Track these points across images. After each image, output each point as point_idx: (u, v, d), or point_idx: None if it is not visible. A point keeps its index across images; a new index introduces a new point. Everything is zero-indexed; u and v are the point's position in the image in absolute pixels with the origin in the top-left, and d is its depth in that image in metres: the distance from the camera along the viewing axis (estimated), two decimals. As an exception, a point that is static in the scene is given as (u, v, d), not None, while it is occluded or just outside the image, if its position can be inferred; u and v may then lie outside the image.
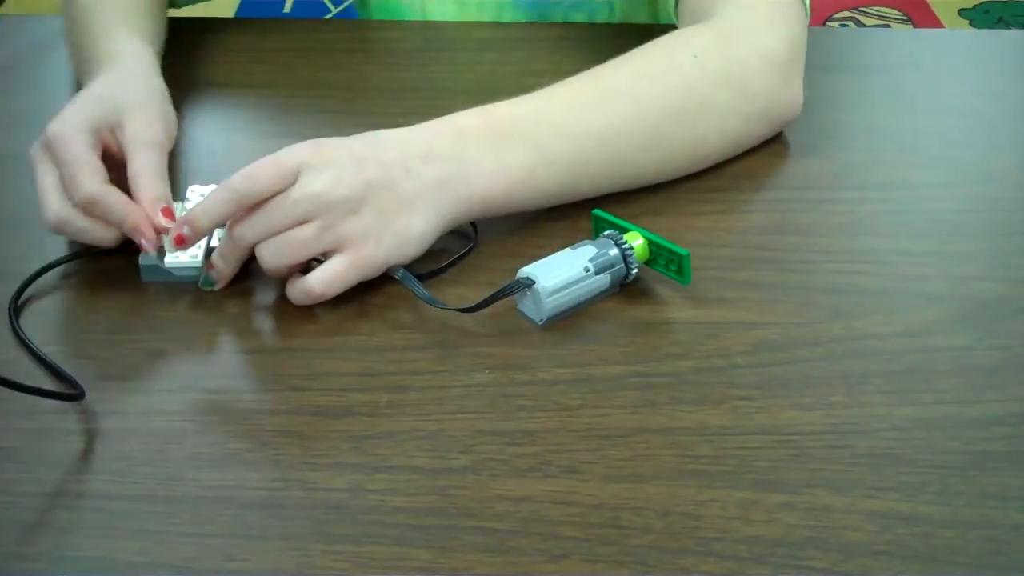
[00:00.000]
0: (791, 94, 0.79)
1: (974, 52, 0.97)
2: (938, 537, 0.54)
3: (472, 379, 0.63)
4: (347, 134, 0.84)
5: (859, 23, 2.57)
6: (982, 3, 2.69)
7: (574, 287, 0.65)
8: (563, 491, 0.57)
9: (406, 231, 0.67)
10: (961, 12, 2.65)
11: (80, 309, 0.69)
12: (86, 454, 0.59)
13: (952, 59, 0.95)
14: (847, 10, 2.62)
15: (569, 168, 0.72)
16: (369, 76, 0.91)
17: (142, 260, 0.69)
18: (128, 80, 0.76)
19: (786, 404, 0.61)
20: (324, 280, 0.66)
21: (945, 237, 0.74)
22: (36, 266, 0.72)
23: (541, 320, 0.65)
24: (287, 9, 2.75)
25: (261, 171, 0.65)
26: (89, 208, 0.68)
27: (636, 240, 0.67)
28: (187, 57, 0.93)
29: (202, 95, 0.89)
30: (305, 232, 0.65)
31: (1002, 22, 2.62)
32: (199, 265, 0.68)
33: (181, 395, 0.62)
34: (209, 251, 0.69)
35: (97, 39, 0.81)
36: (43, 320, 0.67)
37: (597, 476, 0.57)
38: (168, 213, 0.68)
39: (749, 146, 0.80)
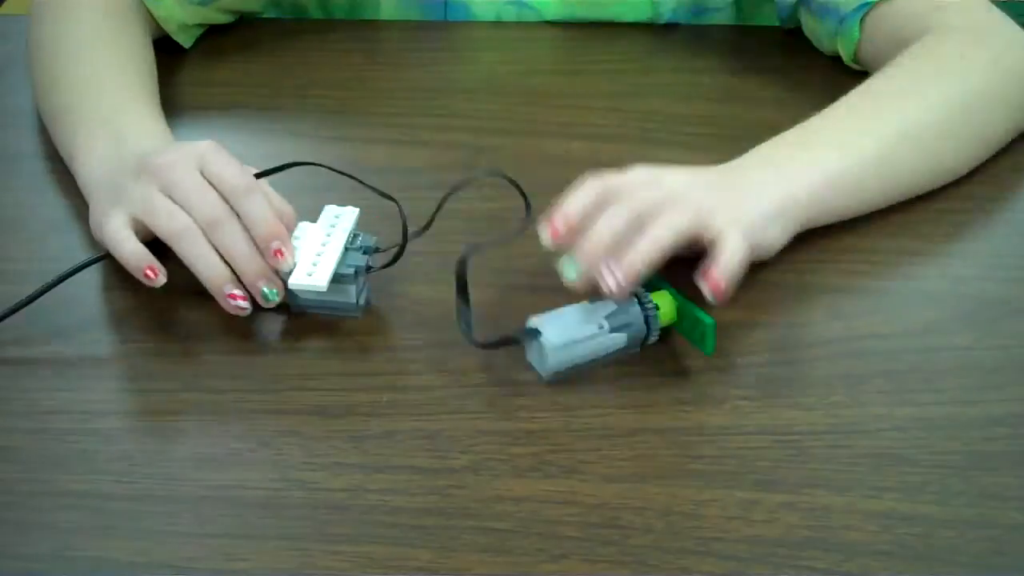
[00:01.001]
0: None
1: (974, 52, 0.97)
2: (938, 537, 0.54)
3: (472, 379, 0.63)
4: (347, 134, 0.84)
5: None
6: (982, 3, 2.69)
7: (584, 343, 0.61)
8: (563, 491, 0.57)
9: (757, 209, 0.67)
10: (961, 12, 2.65)
11: (80, 309, 0.69)
12: (86, 454, 0.59)
13: (952, 59, 0.95)
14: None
15: (878, 163, 0.73)
16: (369, 76, 0.91)
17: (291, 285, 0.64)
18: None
19: (786, 404, 0.61)
20: (726, 266, 0.63)
21: (945, 237, 0.74)
22: (36, 266, 0.72)
23: (545, 374, 0.62)
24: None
25: (633, 188, 0.65)
26: (214, 227, 0.64)
27: (663, 300, 0.63)
28: (187, 57, 0.93)
29: (202, 95, 0.89)
30: (670, 214, 0.63)
31: (1002, 22, 2.61)
32: (323, 288, 0.63)
33: (181, 395, 0.62)
34: (335, 275, 0.64)
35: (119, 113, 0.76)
36: (43, 320, 0.67)
37: (597, 476, 0.57)
38: (279, 254, 0.64)
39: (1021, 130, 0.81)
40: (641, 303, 0.63)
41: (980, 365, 0.64)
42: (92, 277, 0.71)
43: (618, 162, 0.79)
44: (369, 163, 0.80)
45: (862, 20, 0.83)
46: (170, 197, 0.65)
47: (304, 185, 0.73)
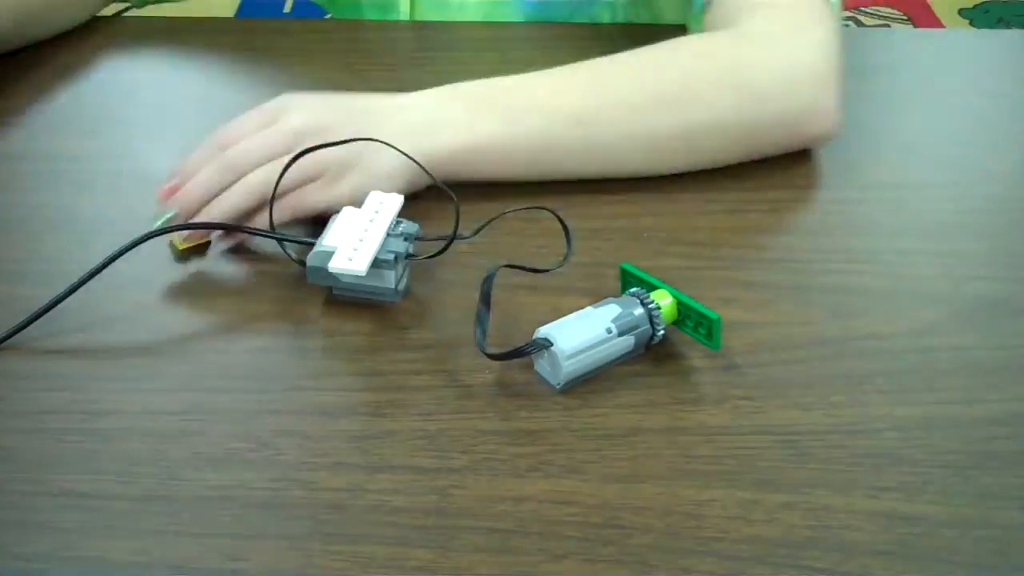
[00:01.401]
0: (819, 105, 0.77)
1: (974, 52, 0.97)
2: (938, 537, 0.54)
3: (472, 379, 0.63)
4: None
5: (859, 23, 2.57)
6: (982, 3, 2.69)
7: (595, 350, 0.61)
8: (563, 491, 0.57)
9: (375, 172, 0.71)
10: (961, 12, 2.65)
11: (80, 309, 0.68)
12: (86, 454, 0.59)
13: (952, 59, 0.95)
14: (847, 10, 2.63)
15: (539, 143, 0.74)
16: (369, 76, 0.91)
17: (309, 261, 0.66)
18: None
19: (786, 404, 0.61)
20: (305, 200, 0.70)
21: (945, 237, 0.74)
22: (36, 266, 0.72)
23: (559, 384, 0.61)
24: (287, 9, 2.75)
25: (247, 116, 0.72)
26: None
27: (664, 299, 0.63)
28: (187, 57, 0.93)
29: (202, 95, 0.89)
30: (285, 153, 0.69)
31: (1002, 22, 2.62)
32: (362, 273, 0.64)
33: (181, 395, 0.62)
34: (375, 260, 0.65)
35: None
36: (42, 320, 0.67)
37: (597, 476, 0.57)
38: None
39: (769, 153, 0.78)
40: (643, 304, 0.63)
41: (980, 365, 0.64)
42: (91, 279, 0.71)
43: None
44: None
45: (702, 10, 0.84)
46: None
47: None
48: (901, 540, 0.54)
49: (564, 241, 0.66)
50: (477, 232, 0.66)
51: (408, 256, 0.66)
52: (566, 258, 0.66)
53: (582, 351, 0.61)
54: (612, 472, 0.57)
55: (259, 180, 0.69)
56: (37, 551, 0.54)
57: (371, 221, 0.66)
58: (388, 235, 0.66)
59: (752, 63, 0.76)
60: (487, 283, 0.63)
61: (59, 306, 0.68)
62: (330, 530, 0.55)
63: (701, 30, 0.85)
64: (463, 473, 0.57)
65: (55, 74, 0.92)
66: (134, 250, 0.74)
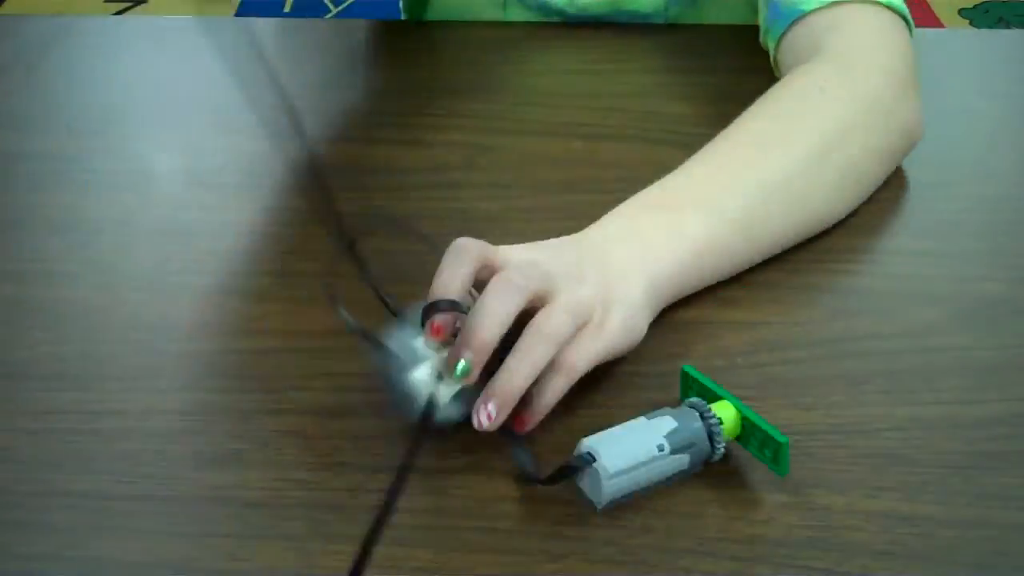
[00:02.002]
0: (913, 107, 0.77)
1: (974, 52, 0.97)
2: (938, 537, 0.54)
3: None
4: (347, 135, 0.84)
5: (859, 23, 2.57)
6: (982, 3, 2.69)
7: (643, 468, 0.55)
8: (563, 491, 0.57)
9: (631, 304, 0.62)
10: (961, 12, 2.65)
11: (80, 309, 0.69)
12: (86, 454, 0.59)
13: (952, 59, 0.95)
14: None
15: (746, 222, 0.68)
16: (369, 76, 0.91)
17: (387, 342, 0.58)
18: None
19: (786, 404, 0.61)
20: (584, 354, 0.59)
21: (945, 237, 0.74)
22: (36, 266, 0.72)
23: (600, 504, 0.55)
24: (287, 9, 2.75)
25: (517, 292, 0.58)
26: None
27: (726, 412, 0.57)
28: (187, 57, 0.93)
29: (202, 95, 0.89)
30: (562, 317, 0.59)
31: (1002, 22, 2.62)
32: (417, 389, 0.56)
33: (181, 395, 0.62)
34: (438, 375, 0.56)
35: None
36: (43, 320, 0.67)
37: (597, 476, 0.57)
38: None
39: (897, 162, 0.77)
40: (704, 417, 0.57)
41: (980, 365, 0.64)
42: (92, 278, 0.71)
43: (618, 162, 0.80)
44: (369, 163, 0.80)
45: (783, 32, 0.82)
46: None
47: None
48: (901, 540, 0.54)
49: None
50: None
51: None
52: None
53: (629, 470, 0.55)
54: (612, 472, 0.57)
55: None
56: (38, 551, 0.54)
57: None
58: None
59: (864, 80, 0.75)
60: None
61: (61, 308, 0.68)
62: (330, 530, 0.55)
63: (782, 44, 0.83)
64: (463, 473, 0.57)
65: (55, 74, 0.92)
66: (134, 250, 0.74)
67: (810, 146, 0.71)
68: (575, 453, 0.56)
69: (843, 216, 0.74)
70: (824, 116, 0.73)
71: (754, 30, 0.97)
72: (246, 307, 0.68)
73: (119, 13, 2.73)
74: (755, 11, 0.94)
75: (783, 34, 0.82)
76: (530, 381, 0.56)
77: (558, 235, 0.70)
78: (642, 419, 0.57)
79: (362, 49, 0.95)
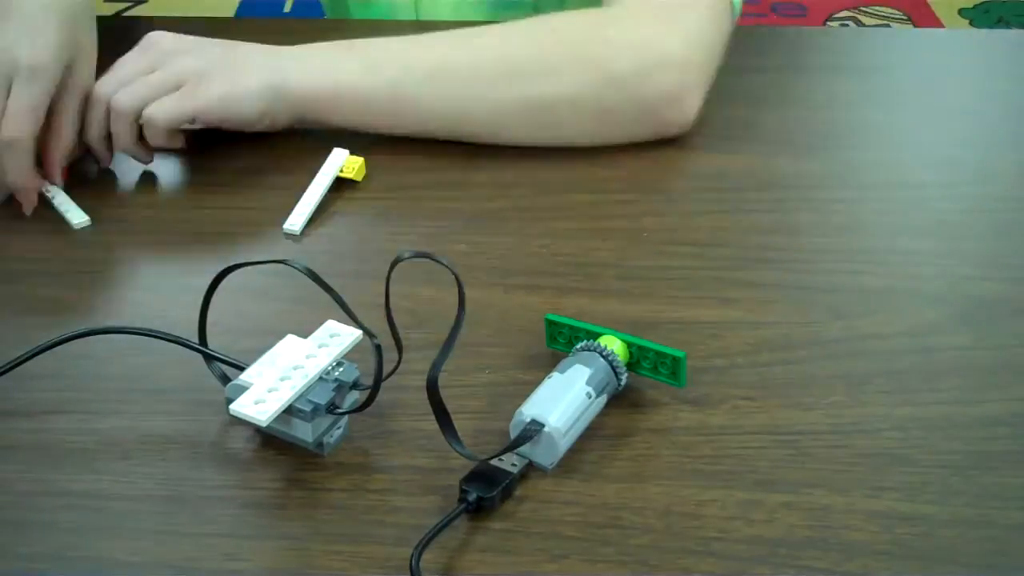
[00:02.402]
0: (676, 94, 0.78)
1: (974, 52, 0.97)
2: (938, 537, 0.54)
3: (472, 379, 0.63)
4: (347, 134, 0.84)
5: (859, 23, 2.57)
6: (982, 3, 2.69)
7: (582, 418, 0.58)
8: (563, 491, 0.57)
9: (236, 82, 0.76)
10: (961, 12, 2.65)
11: (79, 309, 0.69)
12: (86, 454, 0.59)
13: (952, 59, 0.95)
14: (847, 10, 2.62)
15: (393, 91, 0.78)
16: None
17: (227, 392, 0.59)
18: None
19: (786, 404, 0.61)
20: (161, 108, 0.75)
21: (945, 237, 0.74)
22: (36, 266, 0.72)
23: (551, 464, 0.58)
24: (287, 9, 2.75)
25: (130, 61, 0.77)
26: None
27: (614, 344, 0.60)
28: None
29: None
30: (152, 76, 0.76)
31: (1002, 22, 2.62)
32: (261, 423, 0.55)
33: (181, 395, 0.62)
34: (292, 408, 0.57)
35: None
36: (44, 320, 0.67)
37: (597, 476, 0.57)
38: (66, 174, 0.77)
39: (623, 136, 0.79)
40: (603, 355, 0.60)
41: (980, 365, 0.64)
42: (92, 277, 0.71)
43: (618, 162, 0.80)
44: (369, 163, 0.80)
45: None
46: None
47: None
48: (901, 540, 0.54)
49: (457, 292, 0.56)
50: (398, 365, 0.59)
51: (331, 409, 0.58)
52: (461, 312, 0.56)
53: (573, 424, 0.58)
54: (612, 472, 0.57)
55: (125, 100, 0.75)
56: (38, 551, 0.54)
57: (308, 357, 0.58)
58: (321, 379, 0.58)
59: (610, 44, 0.77)
60: (433, 395, 0.55)
61: (60, 307, 0.68)
62: (330, 530, 0.55)
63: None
64: (463, 473, 0.57)
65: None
66: (133, 250, 0.74)
67: (495, 60, 0.78)
68: (516, 422, 0.57)
69: (507, 141, 0.79)
70: (531, 44, 0.78)
71: (754, 30, 0.97)
72: (247, 308, 0.68)
73: (119, 13, 2.73)
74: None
75: None
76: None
77: (557, 235, 0.70)
78: (555, 375, 0.59)
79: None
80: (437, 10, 1.00)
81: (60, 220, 0.76)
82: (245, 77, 0.77)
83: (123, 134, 0.76)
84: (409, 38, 0.80)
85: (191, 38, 0.79)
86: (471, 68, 0.78)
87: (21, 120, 0.72)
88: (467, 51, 0.79)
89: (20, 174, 0.73)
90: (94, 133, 0.77)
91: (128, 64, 0.77)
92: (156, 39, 0.78)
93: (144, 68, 0.77)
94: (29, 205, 0.75)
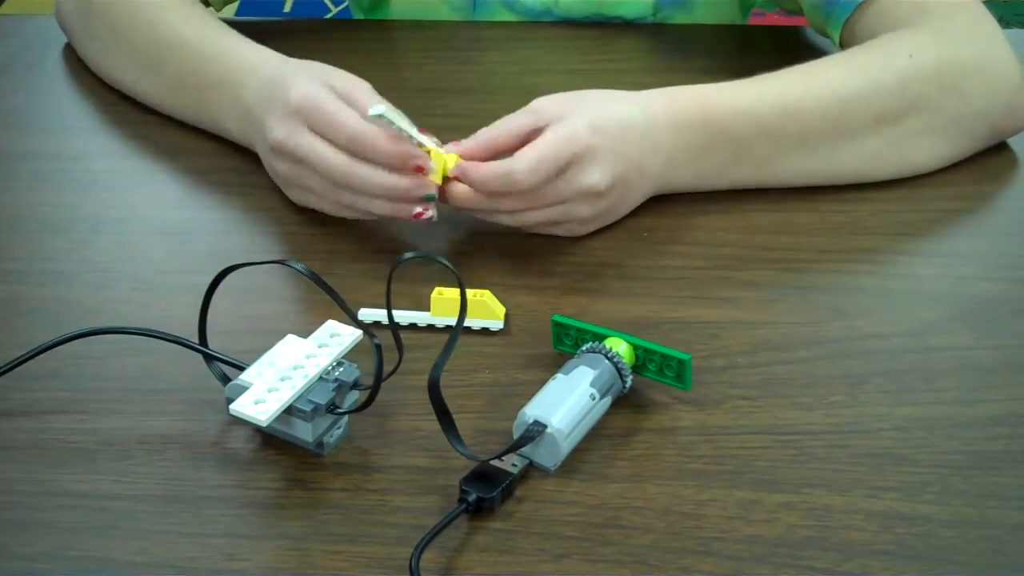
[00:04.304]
0: (1018, 100, 0.78)
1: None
2: (938, 537, 0.54)
3: (472, 379, 0.63)
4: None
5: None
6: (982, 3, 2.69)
7: (585, 420, 0.58)
8: (563, 491, 0.57)
9: (612, 219, 0.74)
10: (961, 12, 2.65)
11: (80, 309, 0.69)
12: (86, 454, 0.59)
13: (952, 59, 0.95)
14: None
15: (761, 165, 0.75)
16: (369, 76, 0.91)
17: (227, 392, 0.59)
18: (299, 62, 0.76)
19: (786, 404, 0.61)
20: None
21: (945, 237, 0.74)
22: (36, 266, 0.72)
23: (554, 466, 0.58)
24: (287, 9, 2.75)
25: (544, 169, 0.67)
26: (356, 145, 0.68)
27: (620, 346, 0.61)
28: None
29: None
30: (552, 211, 0.70)
31: (1002, 22, 2.62)
32: (262, 423, 0.56)
33: (181, 395, 0.62)
34: (292, 408, 0.57)
35: (222, 55, 0.80)
36: (43, 319, 0.67)
37: (597, 476, 0.57)
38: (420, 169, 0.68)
39: (968, 151, 0.78)
40: (608, 357, 0.60)
41: (980, 365, 0.64)
42: (92, 277, 0.71)
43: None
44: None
45: (849, 15, 0.83)
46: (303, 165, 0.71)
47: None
48: (901, 540, 0.54)
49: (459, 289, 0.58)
50: (399, 365, 0.59)
51: (331, 409, 0.58)
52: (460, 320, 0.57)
53: (576, 425, 0.58)
54: (612, 472, 0.57)
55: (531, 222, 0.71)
56: (38, 550, 0.54)
57: (308, 357, 0.58)
58: (321, 379, 0.58)
59: (955, 61, 0.76)
60: (434, 395, 0.56)
61: (60, 308, 0.68)
62: (330, 530, 0.55)
63: (849, 31, 0.84)
64: (463, 473, 0.57)
65: (56, 74, 0.92)
66: (132, 248, 0.74)
67: (866, 109, 0.74)
68: (519, 423, 0.57)
69: (869, 180, 0.76)
70: (898, 82, 0.75)
71: (750, 30, 0.97)
72: (247, 308, 0.68)
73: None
74: (744, 12, 0.94)
75: (849, 17, 0.83)
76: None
77: (555, 236, 0.70)
78: (560, 376, 0.59)
79: (362, 49, 0.95)
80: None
81: (58, 219, 0.76)
82: (622, 210, 0.74)
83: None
84: (765, 92, 0.75)
85: (604, 163, 0.69)
86: (841, 124, 0.75)
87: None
88: (835, 105, 0.74)
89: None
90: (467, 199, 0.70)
91: (546, 194, 0.69)
92: (575, 136, 0.68)
93: (556, 200, 0.70)
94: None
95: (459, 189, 0.69)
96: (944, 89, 0.76)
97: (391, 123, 0.66)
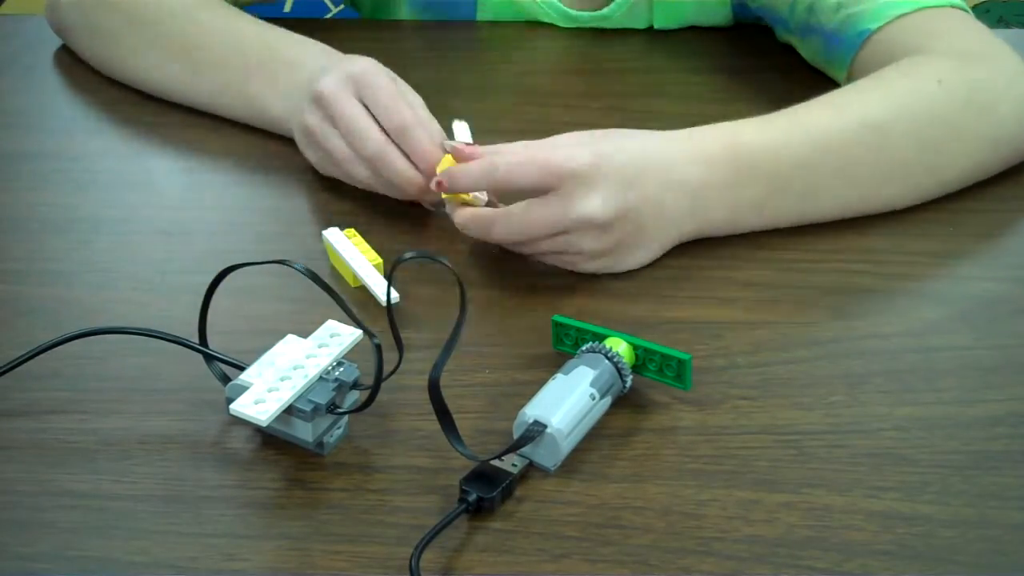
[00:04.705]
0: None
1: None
2: (938, 537, 0.54)
3: (472, 379, 0.63)
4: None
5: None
6: (982, 3, 2.69)
7: (585, 420, 0.58)
8: (563, 491, 0.57)
9: (631, 262, 0.70)
10: (961, 12, 2.65)
11: (80, 309, 0.69)
12: (86, 454, 0.59)
13: (952, 59, 0.95)
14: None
15: (801, 199, 0.72)
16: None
17: (227, 392, 0.59)
18: (340, 55, 0.78)
19: (786, 404, 0.61)
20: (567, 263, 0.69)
21: (945, 237, 0.73)
22: (37, 266, 0.72)
23: (554, 466, 0.58)
24: (287, 9, 2.74)
25: (528, 172, 0.66)
26: (400, 135, 0.70)
27: (620, 346, 0.61)
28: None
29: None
30: (552, 242, 0.68)
31: (1002, 22, 2.62)
32: (262, 423, 0.55)
33: (181, 395, 0.62)
34: (292, 408, 0.57)
35: (273, 51, 0.81)
36: (43, 319, 0.67)
37: (597, 476, 0.57)
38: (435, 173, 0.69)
39: (995, 172, 0.78)
40: (608, 357, 0.60)
41: (980, 365, 0.64)
42: (92, 277, 0.71)
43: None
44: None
45: (855, 55, 0.81)
46: (335, 126, 0.72)
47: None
48: (901, 540, 0.54)
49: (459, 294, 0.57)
50: (399, 365, 0.59)
51: (331, 409, 0.58)
52: (463, 312, 0.57)
53: (576, 426, 0.57)
54: (612, 472, 0.57)
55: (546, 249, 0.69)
56: (38, 550, 0.54)
57: (308, 357, 0.58)
58: (321, 379, 0.58)
59: (985, 84, 0.76)
60: (434, 395, 0.56)
61: (60, 308, 0.68)
62: (330, 530, 0.55)
63: (857, 69, 0.82)
64: (463, 473, 0.57)
65: (56, 74, 0.92)
66: (132, 248, 0.74)
67: (904, 138, 0.73)
68: (519, 423, 0.57)
69: (909, 206, 0.75)
70: (930, 110, 0.74)
71: (753, 30, 0.97)
72: (247, 308, 0.68)
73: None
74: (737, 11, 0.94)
75: (855, 56, 0.81)
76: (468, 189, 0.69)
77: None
78: (559, 376, 0.59)
79: (362, 49, 0.95)
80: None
81: (58, 219, 0.76)
82: (640, 256, 0.70)
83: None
84: (795, 124, 0.72)
85: (608, 191, 0.66)
86: (881, 156, 0.73)
87: None
88: (873, 136, 0.73)
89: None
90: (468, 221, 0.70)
91: (538, 218, 0.67)
92: (573, 157, 0.66)
93: (553, 229, 0.67)
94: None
95: (463, 214, 0.69)
96: (979, 112, 0.75)
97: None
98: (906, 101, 0.74)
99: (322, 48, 0.80)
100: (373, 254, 0.69)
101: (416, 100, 0.74)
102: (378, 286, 0.67)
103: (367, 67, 0.73)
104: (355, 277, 0.68)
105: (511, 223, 0.67)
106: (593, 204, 0.66)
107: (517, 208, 0.67)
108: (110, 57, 0.88)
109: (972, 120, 0.75)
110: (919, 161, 0.74)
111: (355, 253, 0.69)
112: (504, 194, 0.70)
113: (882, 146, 0.73)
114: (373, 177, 0.72)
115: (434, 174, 0.69)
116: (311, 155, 0.76)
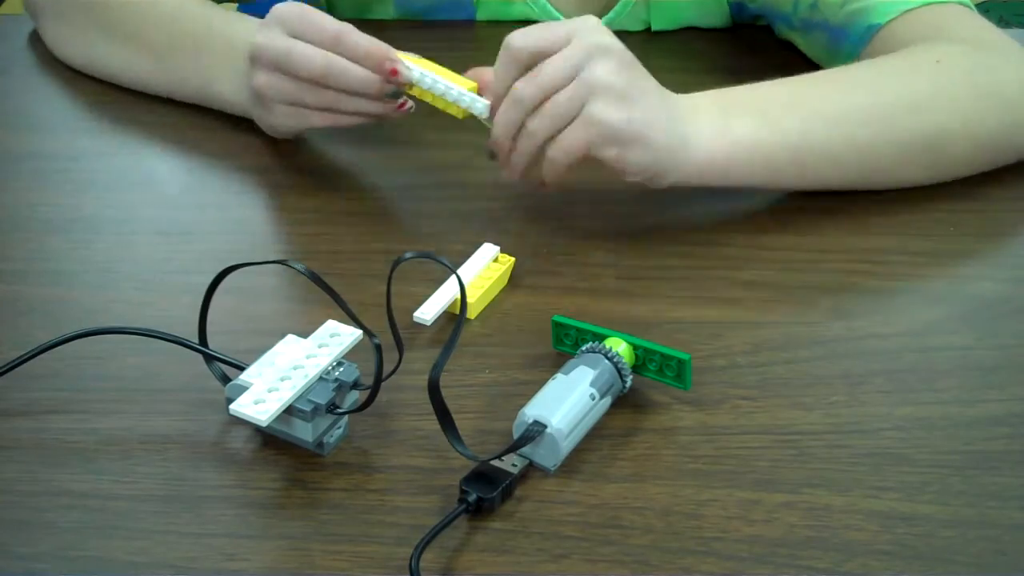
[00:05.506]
0: None
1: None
2: (938, 537, 0.54)
3: (472, 379, 0.63)
4: (348, 134, 0.83)
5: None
6: (982, 3, 2.69)
7: (585, 420, 0.58)
8: (563, 491, 0.57)
9: (651, 105, 0.69)
10: (961, 12, 2.65)
11: (80, 308, 0.69)
12: (86, 454, 0.59)
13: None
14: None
15: (798, 143, 0.72)
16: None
17: (227, 392, 0.58)
18: None
19: (786, 404, 0.61)
20: (564, 150, 0.68)
21: (945, 237, 0.74)
22: (36, 266, 0.72)
23: (554, 466, 0.58)
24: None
25: (539, 30, 0.69)
26: (338, 44, 0.71)
27: (620, 346, 0.61)
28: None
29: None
30: (569, 97, 0.67)
31: (1002, 22, 2.62)
32: (262, 423, 0.55)
33: (181, 395, 0.62)
34: (292, 408, 0.57)
35: (217, 23, 0.82)
36: (43, 319, 0.67)
37: (597, 476, 0.57)
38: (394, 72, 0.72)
39: (1010, 160, 0.78)
40: (608, 357, 0.60)
41: (980, 365, 0.64)
42: (92, 277, 0.71)
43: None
44: (370, 163, 0.80)
45: (861, 51, 0.82)
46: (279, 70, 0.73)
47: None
48: (901, 540, 0.54)
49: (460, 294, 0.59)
50: (399, 364, 0.59)
51: (331, 409, 0.58)
52: (460, 320, 0.58)
53: (576, 426, 0.57)
54: (612, 472, 0.57)
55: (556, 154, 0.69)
56: (38, 551, 0.54)
57: (308, 357, 0.58)
58: (321, 379, 0.58)
59: (992, 68, 0.76)
60: (434, 395, 0.56)
61: (60, 307, 0.68)
62: (330, 530, 0.55)
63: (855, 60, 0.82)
64: (463, 473, 0.57)
65: (56, 74, 0.92)
66: (132, 248, 0.74)
67: (897, 99, 0.73)
68: (519, 423, 0.57)
69: (908, 181, 0.75)
70: (929, 80, 0.74)
71: (751, 30, 0.97)
72: (247, 307, 0.68)
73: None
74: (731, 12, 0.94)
75: (862, 51, 0.82)
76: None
77: (555, 236, 0.70)
78: (559, 376, 0.59)
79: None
80: None
81: (58, 219, 0.76)
82: (660, 141, 0.69)
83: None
84: (782, 84, 0.74)
85: (622, 58, 0.69)
86: (874, 112, 0.73)
87: None
88: (865, 94, 0.74)
89: None
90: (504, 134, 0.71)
91: (544, 28, 0.70)
92: (586, 21, 0.69)
93: (555, 37, 0.68)
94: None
95: (489, 106, 0.71)
96: (983, 93, 0.75)
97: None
98: (902, 73, 0.75)
99: (256, 22, 0.79)
100: (460, 77, 0.73)
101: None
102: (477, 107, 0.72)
103: (283, 7, 0.73)
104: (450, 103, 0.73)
105: (530, 80, 0.68)
106: (608, 65, 0.67)
107: (531, 72, 0.68)
108: (72, 46, 0.90)
109: (973, 97, 0.75)
110: (915, 128, 0.74)
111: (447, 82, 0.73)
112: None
113: (873, 106, 0.73)
114: (332, 99, 0.72)
115: (383, 71, 0.71)
116: (271, 118, 0.76)
